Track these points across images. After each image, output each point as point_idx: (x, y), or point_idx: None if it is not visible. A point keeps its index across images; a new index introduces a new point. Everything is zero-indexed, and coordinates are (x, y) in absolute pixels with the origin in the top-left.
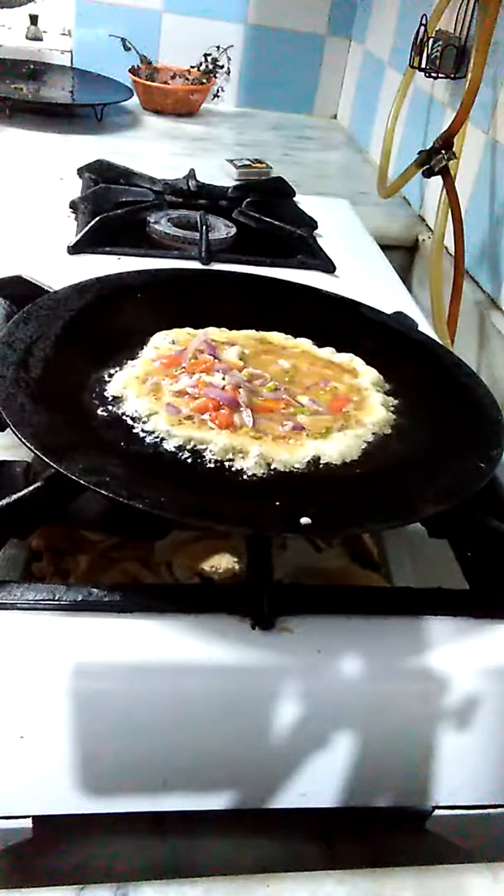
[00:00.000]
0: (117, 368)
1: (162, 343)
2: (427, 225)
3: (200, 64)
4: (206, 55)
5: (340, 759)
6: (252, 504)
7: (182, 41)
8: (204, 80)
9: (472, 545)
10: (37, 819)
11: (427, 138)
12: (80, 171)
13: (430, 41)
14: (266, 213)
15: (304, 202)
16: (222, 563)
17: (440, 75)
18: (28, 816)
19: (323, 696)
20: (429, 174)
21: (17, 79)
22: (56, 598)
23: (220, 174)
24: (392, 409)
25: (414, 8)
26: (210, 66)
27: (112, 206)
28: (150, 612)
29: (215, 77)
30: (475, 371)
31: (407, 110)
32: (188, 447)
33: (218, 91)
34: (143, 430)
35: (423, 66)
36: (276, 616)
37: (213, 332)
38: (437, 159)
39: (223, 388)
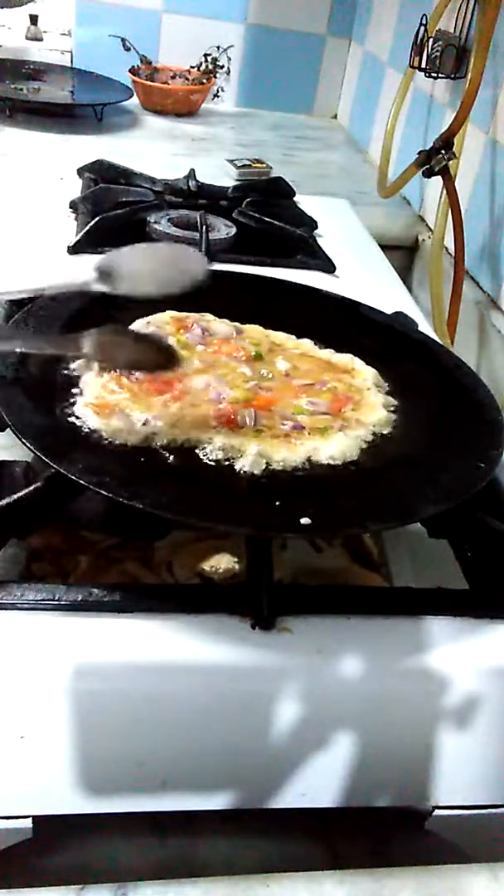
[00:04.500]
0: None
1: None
2: (427, 225)
3: (200, 64)
4: (206, 55)
5: (340, 759)
6: (252, 504)
7: (182, 41)
8: (204, 80)
9: (472, 545)
10: (37, 819)
11: (427, 138)
12: (80, 171)
13: (430, 41)
14: (266, 213)
15: (304, 202)
16: (222, 563)
17: (440, 75)
18: (28, 816)
19: (323, 696)
20: (429, 174)
21: (17, 79)
22: (56, 598)
23: (220, 174)
24: (392, 409)
25: (414, 8)
26: (210, 66)
27: (112, 206)
28: (150, 612)
29: (215, 77)
30: (475, 371)
31: (407, 110)
32: (188, 446)
33: (218, 91)
34: (142, 430)
35: (423, 66)
36: (276, 616)
37: (214, 321)
38: (437, 159)
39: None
